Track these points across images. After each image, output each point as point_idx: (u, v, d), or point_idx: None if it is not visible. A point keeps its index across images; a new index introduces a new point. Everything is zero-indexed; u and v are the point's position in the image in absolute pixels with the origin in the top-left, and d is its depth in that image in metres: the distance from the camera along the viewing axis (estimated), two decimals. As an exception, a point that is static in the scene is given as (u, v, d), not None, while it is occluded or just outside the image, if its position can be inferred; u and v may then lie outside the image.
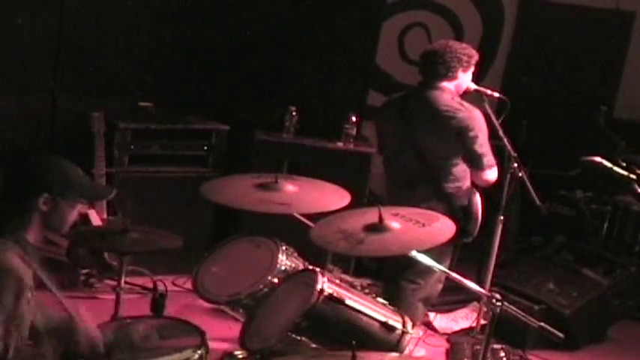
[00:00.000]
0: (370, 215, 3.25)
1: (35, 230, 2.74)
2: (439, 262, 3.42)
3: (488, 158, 4.21)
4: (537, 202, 4.46)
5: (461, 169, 4.27)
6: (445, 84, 4.22)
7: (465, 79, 4.28)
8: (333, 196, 3.62)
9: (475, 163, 4.21)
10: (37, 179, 2.76)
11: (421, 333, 4.84)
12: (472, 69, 4.30)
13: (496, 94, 4.41)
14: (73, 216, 2.81)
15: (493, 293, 3.20)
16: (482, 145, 4.17)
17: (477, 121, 4.16)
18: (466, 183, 4.30)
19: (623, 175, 5.33)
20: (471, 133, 4.13)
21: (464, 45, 4.33)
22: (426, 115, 4.20)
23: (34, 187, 2.73)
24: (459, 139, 4.15)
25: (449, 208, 4.19)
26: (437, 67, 4.20)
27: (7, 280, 2.58)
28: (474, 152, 4.17)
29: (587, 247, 5.78)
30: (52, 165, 2.83)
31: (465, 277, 3.26)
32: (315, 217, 3.49)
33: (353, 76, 5.91)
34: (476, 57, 4.29)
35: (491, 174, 4.25)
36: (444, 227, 3.30)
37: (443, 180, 4.23)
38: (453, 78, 4.23)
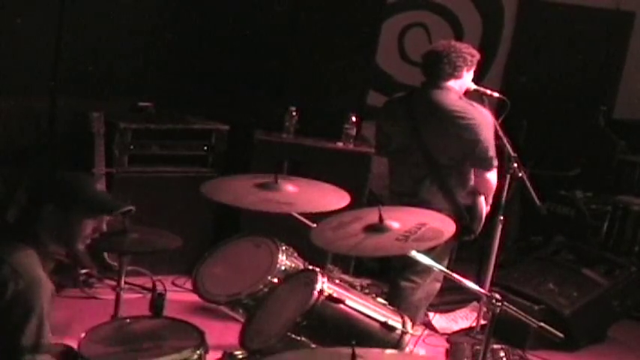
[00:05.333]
0: (370, 216, 3.25)
1: (48, 238, 2.74)
2: (438, 262, 3.42)
3: (495, 159, 4.21)
4: (537, 202, 4.46)
5: (467, 169, 4.27)
6: (450, 84, 4.22)
7: (468, 79, 4.28)
8: (333, 196, 3.62)
9: (484, 164, 4.21)
10: (47, 188, 2.77)
11: (426, 332, 4.85)
12: (474, 68, 4.31)
13: (496, 94, 4.42)
14: (83, 232, 2.78)
15: (493, 293, 3.20)
16: (490, 146, 4.18)
17: (486, 121, 4.16)
18: (471, 182, 4.30)
19: None
20: (482, 134, 4.13)
21: (466, 44, 4.33)
22: (434, 115, 4.20)
23: (42, 195, 2.74)
24: (468, 139, 4.14)
25: (454, 206, 4.20)
26: (443, 67, 4.19)
27: (38, 289, 2.60)
28: (485, 153, 4.17)
29: (587, 247, 5.79)
30: (64, 176, 2.85)
31: (465, 277, 3.26)
32: (315, 217, 3.49)
33: (353, 76, 5.90)
34: (478, 56, 4.29)
35: (494, 175, 4.25)
36: (443, 227, 3.29)
37: (449, 179, 4.23)
38: (459, 77, 4.23)
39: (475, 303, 5.19)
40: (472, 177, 4.31)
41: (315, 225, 3.44)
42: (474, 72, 4.34)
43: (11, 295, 2.57)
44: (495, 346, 4.52)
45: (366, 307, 3.20)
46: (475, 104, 4.21)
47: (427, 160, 4.23)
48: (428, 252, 3.30)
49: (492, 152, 4.19)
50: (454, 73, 4.21)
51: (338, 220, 3.34)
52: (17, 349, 2.59)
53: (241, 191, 3.59)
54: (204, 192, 3.61)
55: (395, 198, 4.41)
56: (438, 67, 4.21)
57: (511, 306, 3.14)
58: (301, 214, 3.61)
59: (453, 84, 4.23)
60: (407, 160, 4.32)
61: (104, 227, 2.86)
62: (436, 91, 4.22)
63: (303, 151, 5.49)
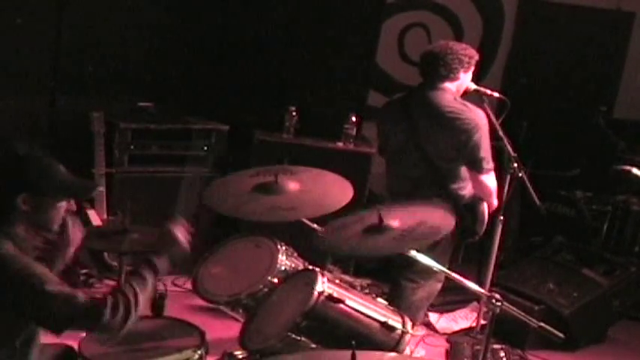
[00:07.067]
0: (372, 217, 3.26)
1: (23, 227, 2.71)
2: (438, 262, 3.43)
3: (488, 161, 4.20)
4: (537, 202, 4.46)
5: (465, 170, 4.26)
6: (446, 85, 4.22)
7: (465, 80, 4.28)
8: (336, 191, 3.60)
9: (475, 165, 4.20)
10: (14, 178, 2.70)
11: (425, 332, 4.85)
12: (472, 69, 4.30)
13: (496, 94, 4.41)
14: (58, 214, 2.76)
15: (493, 293, 3.20)
16: (484, 148, 4.17)
17: (480, 122, 4.15)
18: (470, 183, 4.30)
19: None
20: (475, 136, 4.12)
21: (464, 45, 4.32)
22: (430, 116, 4.20)
23: (11, 186, 2.67)
24: (462, 140, 4.14)
25: (453, 207, 4.19)
26: (438, 69, 4.19)
27: (21, 261, 2.60)
28: (476, 154, 4.16)
29: (587, 247, 5.79)
30: (30, 162, 2.76)
31: (465, 277, 3.26)
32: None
33: (353, 76, 5.90)
34: (476, 57, 4.29)
35: (490, 179, 4.24)
36: (441, 223, 3.29)
37: (448, 180, 4.23)
38: (455, 79, 4.23)
39: (475, 303, 5.19)
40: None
41: (315, 225, 3.45)
42: (474, 72, 4.34)
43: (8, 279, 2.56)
44: (495, 346, 4.53)
45: (366, 307, 3.20)
46: (470, 105, 4.21)
47: (424, 160, 4.23)
48: (428, 252, 3.31)
49: (484, 154, 4.17)
50: (449, 75, 4.21)
51: (340, 222, 3.35)
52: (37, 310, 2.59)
53: (242, 199, 3.57)
54: (206, 201, 3.60)
55: (394, 198, 4.41)
56: (434, 69, 4.21)
57: (511, 306, 3.14)
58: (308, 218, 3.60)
59: (450, 85, 4.23)
60: (405, 161, 4.32)
61: (74, 206, 2.85)
62: (432, 92, 4.22)
63: (303, 151, 5.49)
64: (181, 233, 2.91)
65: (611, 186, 6.08)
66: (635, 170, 4.69)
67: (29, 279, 2.57)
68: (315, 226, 3.56)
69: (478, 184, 4.26)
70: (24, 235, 2.72)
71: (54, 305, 2.57)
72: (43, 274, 2.61)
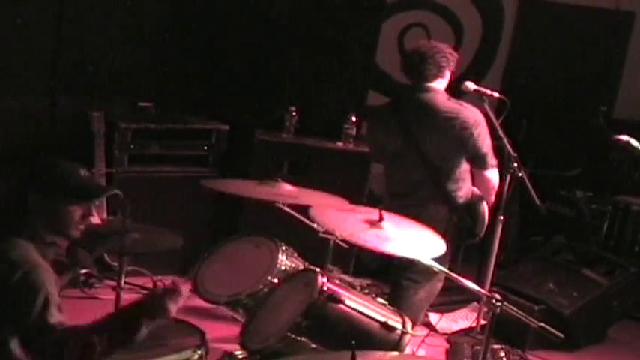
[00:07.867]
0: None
1: (43, 230, 2.72)
2: (440, 263, 3.42)
3: (492, 157, 4.21)
4: (537, 202, 4.46)
5: (464, 170, 4.27)
6: (435, 84, 4.23)
7: (448, 78, 4.30)
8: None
9: (480, 162, 4.21)
10: (27, 179, 2.74)
11: (426, 332, 4.85)
12: (453, 68, 4.32)
13: (496, 94, 4.41)
14: (72, 218, 2.73)
15: (493, 293, 3.20)
16: (486, 144, 4.18)
17: (477, 119, 4.16)
18: (469, 183, 4.30)
19: None
20: (474, 133, 4.13)
21: (445, 44, 4.36)
22: (426, 117, 4.19)
23: (24, 186, 2.71)
24: (462, 139, 4.15)
25: (453, 208, 4.20)
26: (428, 67, 4.19)
27: (40, 273, 2.58)
28: (477, 151, 4.17)
29: (587, 247, 5.79)
30: (45, 165, 2.79)
31: (465, 277, 3.26)
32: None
33: (353, 76, 5.90)
34: (456, 56, 4.32)
35: (494, 174, 4.25)
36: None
37: (446, 181, 4.23)
38: (443, 77, 4.25)
39: (475, 303, 5.19)
40: (470, 178, 4.31)
41: (315, 225, 3.45)
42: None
43: (14, 286, 2.53)
44: (495, 346, 4.52)
45: (366, 307, 3.20)
46: (464, 104, 4.21)
47: (424, 162, 4.23)
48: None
49: (486, 150, 4.18)
50: (439, 73, 4.22)
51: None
52: (27, 329, 2.56)
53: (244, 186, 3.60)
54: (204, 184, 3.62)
55: (394, 200, 4.41)
56: (424, 68, 4.21)
57: (511, 306, 3.14)
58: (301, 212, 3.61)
59: (439, 84, 4.24)
60: (404, 164, 4.31)
61: (94, 213, 2.80)
62: (424, 94, 4.22)
63: (303, 151, 5.49)
64: (174, 304, 2.83)
65: (611, 153, 6.04)
66: (632, 141, 4.69)
67: (34, 300, 2.54)
68: (315, 226, 3.57)
69: (482, 181, 4.27)
70: (44, 235, 2.72)
71: (44, 338, 2.55)
72: (48, 299, 2.57)
